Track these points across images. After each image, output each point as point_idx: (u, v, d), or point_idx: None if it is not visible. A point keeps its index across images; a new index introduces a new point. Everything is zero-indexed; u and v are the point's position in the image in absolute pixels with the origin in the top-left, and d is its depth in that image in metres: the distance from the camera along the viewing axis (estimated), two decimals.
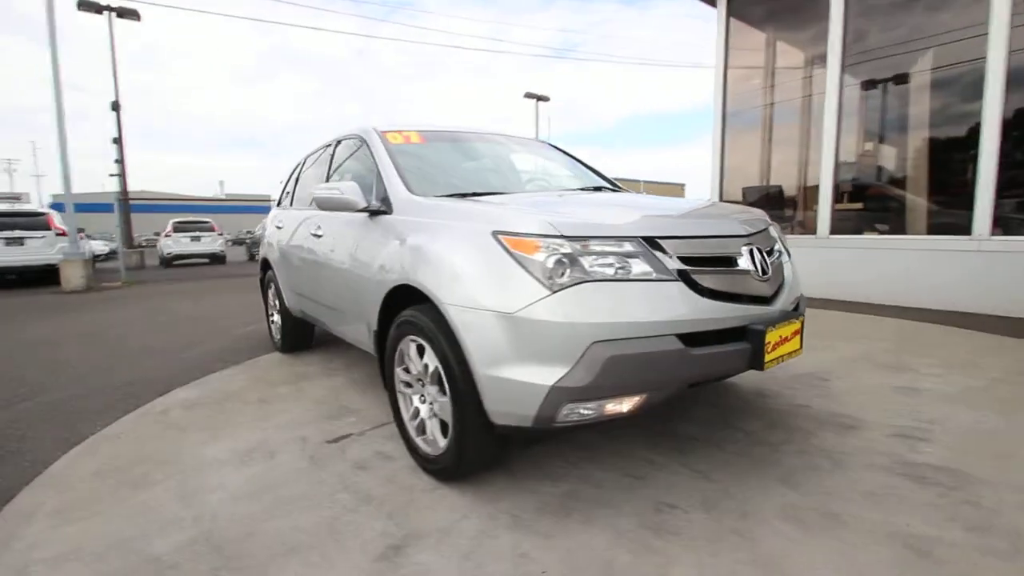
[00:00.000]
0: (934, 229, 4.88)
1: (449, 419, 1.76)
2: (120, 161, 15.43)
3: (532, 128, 27.11)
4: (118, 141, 15.97)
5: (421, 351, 1.90)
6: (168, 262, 16.25)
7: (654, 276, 1.57)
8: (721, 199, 6.55)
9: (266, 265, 4.08)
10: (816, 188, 6.18)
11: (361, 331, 2.44)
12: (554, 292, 1.50)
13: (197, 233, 16.65)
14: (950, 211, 4.76)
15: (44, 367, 3.85)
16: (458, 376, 1.66)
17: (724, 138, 6.33)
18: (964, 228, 4.46)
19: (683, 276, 1.60)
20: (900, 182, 5.50)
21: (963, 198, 4.51)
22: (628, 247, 1.59)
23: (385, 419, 2.55)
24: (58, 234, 10.05)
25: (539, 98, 27.27)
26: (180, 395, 3.09)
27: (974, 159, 4.40)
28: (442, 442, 1.84)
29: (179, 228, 16.54)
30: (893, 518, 1.60)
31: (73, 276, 8.91)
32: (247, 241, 22.09)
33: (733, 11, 6.08)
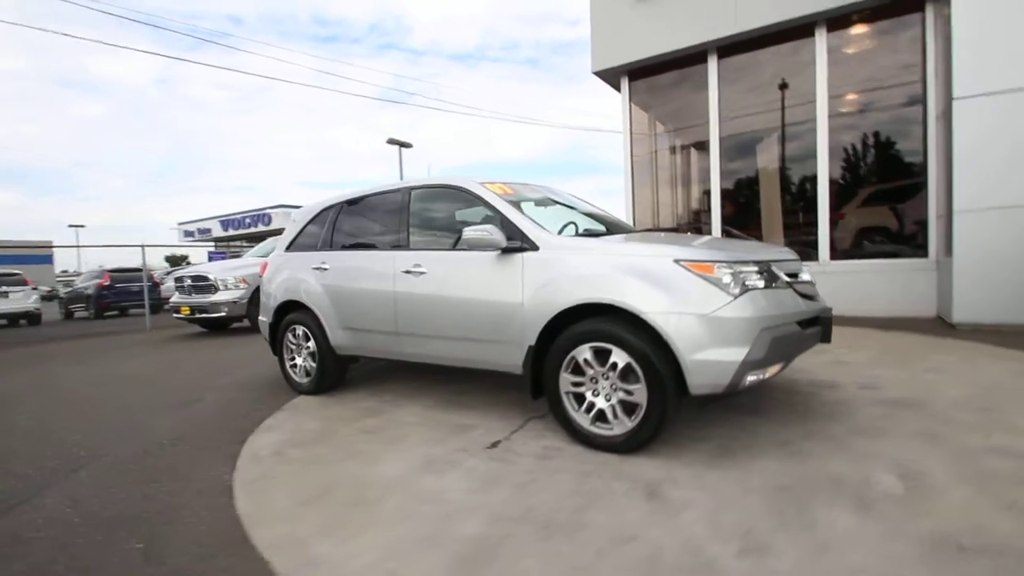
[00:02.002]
0: None
1: (643, 401, 2.35)
2: None
3: (396, 172, 27.55)
4: None
5: (600, 354, 2.47)
6: None
7: (780, 285, 2.43)
8: None
9: (288, 308, 4.06)
10: (694, 229, 7.93)
11: (499, 351, 2.84)
12: (735, 298, 2.25)
13: (3, 288, 13.50)
14: (804, 243, 6.66)
15: (28, 431, 3.29)
16: (659, 365, 2.28)
17: (634, 191, 7.79)
18: (813, 256, 6.35)
19: (790, 285, 2.49)
20: (759, 224, 7.41)
21: (810, 234, 6.42)
22: (758, 268, 2.42)
23: (513, 427, 2.95)
24: None
25: (402, 144, 28.09)
26: (266, 439, 3.04)
27: (815, 206, 6.33)
28: (629, 422, 2.41)
29: None
30: (905, 425, 2.62)
31: None
32: (61, 296, 18.23)
33: (632, 97, 7.68)
